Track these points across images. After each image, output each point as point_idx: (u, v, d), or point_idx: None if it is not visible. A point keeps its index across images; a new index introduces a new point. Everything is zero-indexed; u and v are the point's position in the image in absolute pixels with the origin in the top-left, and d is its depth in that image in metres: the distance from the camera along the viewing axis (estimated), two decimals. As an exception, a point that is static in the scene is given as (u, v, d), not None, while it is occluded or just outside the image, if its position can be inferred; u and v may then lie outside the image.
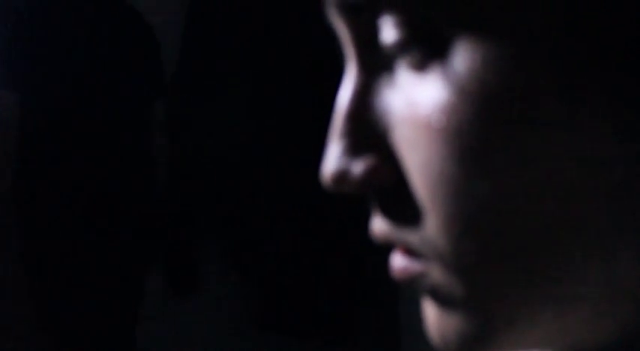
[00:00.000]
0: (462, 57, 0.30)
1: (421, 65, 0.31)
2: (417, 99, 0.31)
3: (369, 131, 0.34)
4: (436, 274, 0.34)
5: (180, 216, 2.13)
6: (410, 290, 2.01)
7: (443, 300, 0.34)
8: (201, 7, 2.08)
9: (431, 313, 0.36)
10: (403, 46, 0.31)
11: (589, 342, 0.34)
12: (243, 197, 2.13)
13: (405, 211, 0.34)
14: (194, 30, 2.08)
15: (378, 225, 0.36)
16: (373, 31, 0.33)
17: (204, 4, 2.08)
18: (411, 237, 0.34)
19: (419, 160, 0.31)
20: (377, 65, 0.34)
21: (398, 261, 0.35)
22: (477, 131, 0.30)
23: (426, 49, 0.31)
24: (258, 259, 2.17)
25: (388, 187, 0.34)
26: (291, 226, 2.11)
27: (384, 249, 2.15)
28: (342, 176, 0.34)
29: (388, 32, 0.32)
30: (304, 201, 2.10)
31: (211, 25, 2.07)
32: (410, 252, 0.35)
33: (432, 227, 0.32)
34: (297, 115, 2.08)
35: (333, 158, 0.34)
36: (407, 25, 0.31)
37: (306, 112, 2.09)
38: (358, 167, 0.34)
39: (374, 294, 2.22)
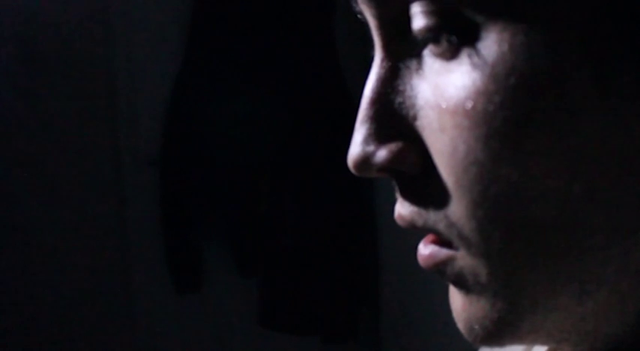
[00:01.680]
0: (491, 44, 0.30)
1: (450, 53, 0.32)
2: (444, 85, 0.32)
3: (394, 116, 0.34)
4: (462, 259, 0.34)
5: (183, 215, 2.14)
6: (414, 288, 2.02)
7: (468, 286, 0.34)
8: (205, 6, 2.08)
9: (457, 300, 0.36)
10: (432, 34, 0.32)
11: (606, 331, 0.35)
12: (244, 196, 2.13)
13: (430, 196, 0.34)
14: (199, 29, 2.09)
15: (403, 210, 0.36)
16: (401, 19, 0.33)
17: (209, 3, 2.08)
18: (437, 221, 0.34)
19: (445, 144, 0.32)
20: (404, 52, 0.34)
21: (424, 249, 0.36)
22: (505, 116, 0.30)
23: (455, 36, 0.31)
24: (260, 258, 2.17)
25: (414, 172, 0.34)
26: (292, 225, 2.11)
27: (385, 248, 2.16)
28: (365, 161, 0.35)
29: (418, 20, 0.32)
30: (305, 200, 2.10)
31: (216, 24, 2.07)
32: (436, 241, 0.35)
33: (458, 212, 0.33)
34: (299, 117, 2.09)
35: (357, 143, 0.35)
36: (436, 13, 0.31)
37: (308, 114, 2.09)
38: (383, 152, 0.34)
39: (375, 292, 2.22)
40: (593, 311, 0.33)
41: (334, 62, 2.11)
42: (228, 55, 2.06)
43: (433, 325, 1.82)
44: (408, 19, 0.33)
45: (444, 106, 0.32)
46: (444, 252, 0.35)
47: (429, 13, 0.32)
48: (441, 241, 0.35)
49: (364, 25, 0.36)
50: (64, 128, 2.06)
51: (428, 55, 0.33)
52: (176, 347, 2.22)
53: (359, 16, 0.36)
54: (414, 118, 0.34)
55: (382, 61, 0.35)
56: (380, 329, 2.25)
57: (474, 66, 0.31)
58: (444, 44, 0.32)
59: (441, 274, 0.36)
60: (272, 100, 2.06)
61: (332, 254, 2.13)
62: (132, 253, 2.16)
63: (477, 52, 0.31)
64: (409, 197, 0.35)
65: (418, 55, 0.34)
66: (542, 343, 0.36)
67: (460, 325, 0.36)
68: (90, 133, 2.09)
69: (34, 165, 2.05)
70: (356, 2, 0.35)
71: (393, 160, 0.34)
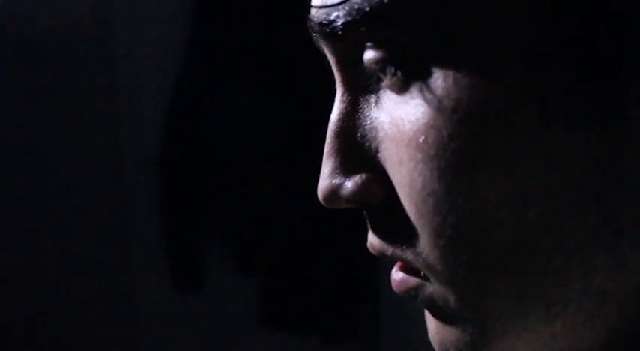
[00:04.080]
0: (438, 78, 0.31)
1: (398, 86, 0.32)
2: (399, 118, 0.33)
3: (359, 149, 0.35)
4: (431, 286, 0.35)
5: (183, 215, 2.15)
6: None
7: (440, 311, 0.35)
8: (207, 5, 2.08)
9: (431, 323, 0.37)
10: (384, 71, 0.33)
11: (579, 347, 0.35)
12: (245, 196, 2.13)
13: (396, 226, 0.35)
14: (200, 28, 2.08)
15: (373, 239, 0.37)
16: (357, 56, 0.34)
17: (212, 4, 2.08)
18: (405, 251, 0.35)
19: (404, 177, 0.33)
20: (363, 87, 0.35)
21: (396, 274, 0.37)
22: (455, 149, 0.31)
23: (406, 72, 0.32)
24: (260, 258, 2.18)
25: (379, 203, 0.35)
26: (293, 225, 2.12)
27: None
28: (334, 193, 0.36)
29: (370, 58, 0.33)
30: (306, 200, 2.10)
31: (218, 23, 2.07)
32: (406, 268, 0.36)
33: (422, 241, 0.33)
34: (300, 118, 2.09)
35: (325, 176, 0.36)
36: (387, 51, 0.32)
37: (310, 114, 2.09)
38: (349, 184, 0.35)
39: (375, 292, 2.22)
40: (562, 330, 0.34)
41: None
42: (230, 54, 2.06)
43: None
44: (363, 55, 0.34)
45: (399, 139, 0.33)
46: (413, 279, 0.36)
47: (378, 47, 0.32)
48: (411, 268, 0.36)
49: (326, 60, 0.36)
50: (65, 128, 2.07)
51: (384, 88, 0.34)
52: (176, 346, 2.23)
53: (321, 51, 0.36)
54: (377, 150, 0.34)
55: (342, 95, 0.36)
56: (380, 329, 2.25)
57: (425, 101, 0.31)
58: (396, 80, 0.32)
59: (413, 298, 0.37)
60: (274, 100, 2.06)
61: (332, 254, 2.13)
62: (132, 252, 2.17)
63: (427, 88, 0.31)
64: (377, 229, 0.36)
65: (377, 89, 0.34)
66: None
67: (435, 346, 0.37)
68: (90, 132, 2.10)
69: (34, 165, 2.05)
70: (316, 39, 0.36)
71: (359, 192, 0.35)
